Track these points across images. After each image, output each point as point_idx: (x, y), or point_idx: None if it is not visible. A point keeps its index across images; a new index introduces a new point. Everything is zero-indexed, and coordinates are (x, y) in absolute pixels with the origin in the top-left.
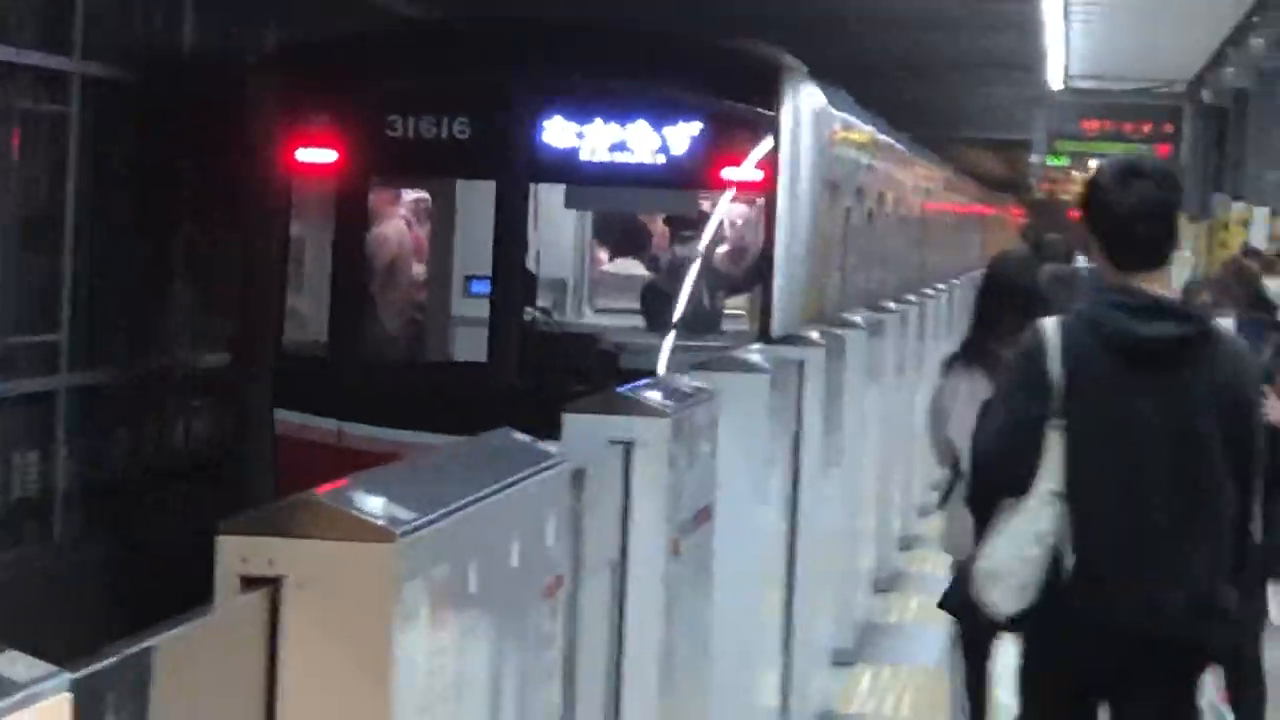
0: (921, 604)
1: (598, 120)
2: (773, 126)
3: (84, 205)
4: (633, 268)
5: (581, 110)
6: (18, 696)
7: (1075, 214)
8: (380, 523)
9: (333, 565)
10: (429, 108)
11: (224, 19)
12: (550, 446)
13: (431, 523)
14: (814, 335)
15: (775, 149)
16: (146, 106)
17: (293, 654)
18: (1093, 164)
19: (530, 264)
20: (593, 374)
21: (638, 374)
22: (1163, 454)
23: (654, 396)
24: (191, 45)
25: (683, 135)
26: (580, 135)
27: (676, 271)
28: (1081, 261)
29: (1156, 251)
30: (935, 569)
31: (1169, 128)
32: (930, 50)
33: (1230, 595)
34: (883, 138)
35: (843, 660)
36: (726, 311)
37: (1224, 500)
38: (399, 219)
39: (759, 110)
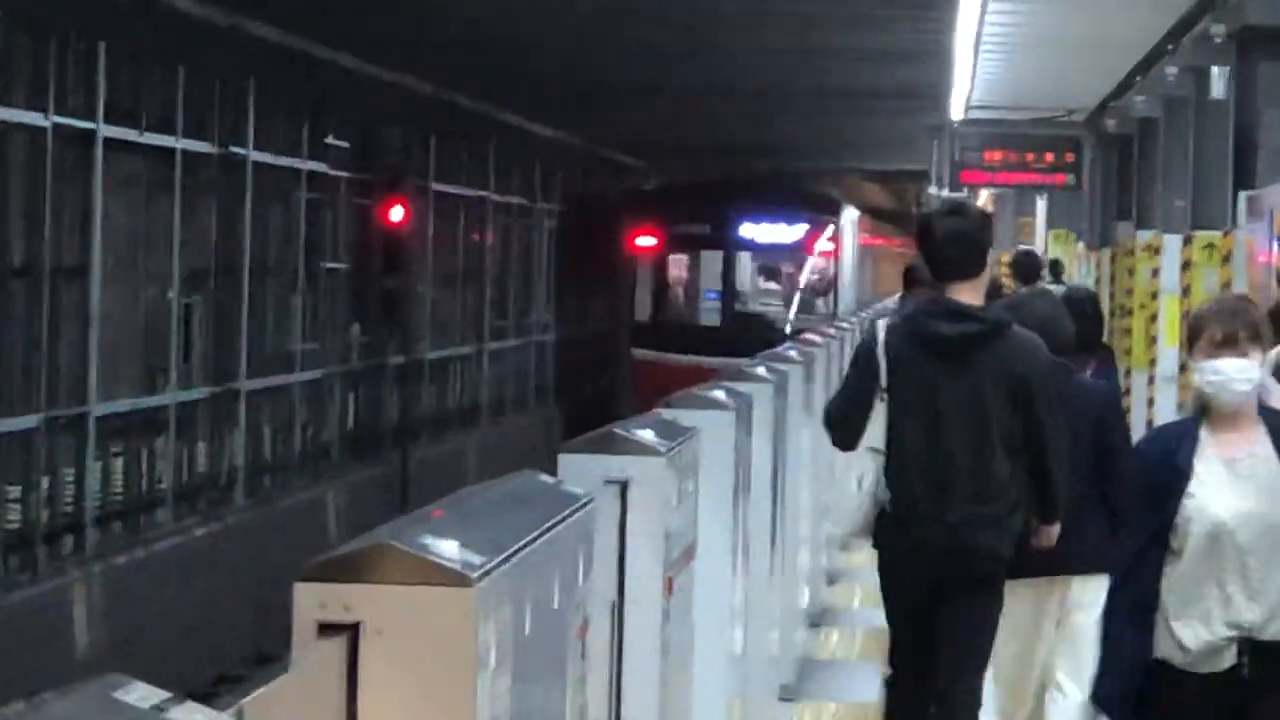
0: (850, 638)
1: (764, 223)
2: (835, 226)
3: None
4: (774, 286)
5: (755, 220)
6: None
7: None
8: (456, 567)
9: (411, 610)
10: (693, 222)
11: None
12: (573, 487)
13: (499, 565)
14: (760, 370)
15: (836, 236)
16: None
17: (371, 700)
18: (984, 194)
19: (736, 286)
20: (765, 330)
21: (783, 331)
22: (955, 419)
23: (647, 435)
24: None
25: (798, 229)
26: (755, 231)
27: (794, 289)
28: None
29: (964, 269)
30: (862, 603)
31: (1070, 157)
32: (835, 80)
33: (1016, 520)
34: (869, 222)
35: (786, 696)
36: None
37: (1000, 454)
38: (679, 267)
39: (829, 218)
